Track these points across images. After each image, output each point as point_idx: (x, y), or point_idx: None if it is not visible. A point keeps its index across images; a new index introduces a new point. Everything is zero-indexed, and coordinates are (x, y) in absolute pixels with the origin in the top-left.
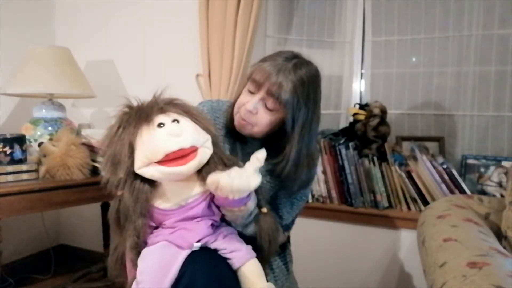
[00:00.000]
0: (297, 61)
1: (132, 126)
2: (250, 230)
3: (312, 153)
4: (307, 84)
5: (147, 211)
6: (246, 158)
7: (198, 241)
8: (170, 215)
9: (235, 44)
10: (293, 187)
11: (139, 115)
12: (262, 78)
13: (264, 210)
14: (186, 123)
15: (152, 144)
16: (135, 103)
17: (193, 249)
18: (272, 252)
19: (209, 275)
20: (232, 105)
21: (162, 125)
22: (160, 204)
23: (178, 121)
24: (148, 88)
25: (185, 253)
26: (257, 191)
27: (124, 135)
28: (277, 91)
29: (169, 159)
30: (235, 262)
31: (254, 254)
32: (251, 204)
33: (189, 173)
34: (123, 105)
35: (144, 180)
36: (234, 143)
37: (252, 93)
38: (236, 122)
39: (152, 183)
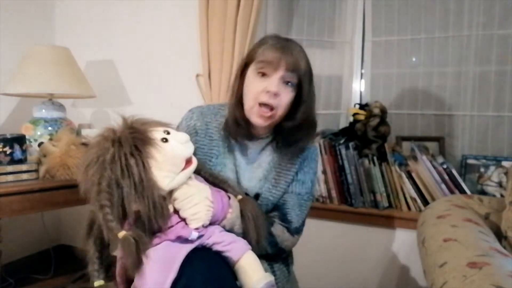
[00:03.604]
0: (287, 38)
1: (136, 153)
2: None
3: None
4: (306, 55)
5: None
6: (246, 158)
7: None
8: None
9: (235, 44)
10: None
11: (136, 142)
12: (277, 57)
13: (239, 197)
14: (173, 130)
15: (173, 158)
16: (111, 134)
17: (191, 238)
18: (261, 236)
19: (207, 275)
20: (234, 105)
21: (165, 140)
22: None
23: (168, 132)
24: (148, 88)
25: (186, 248)
26: (225, 183)
27: (132, 164)
28: (294, 66)
29: (185, 163)
30: (233, 255)
31: (250, 246)
32: (230, 215)
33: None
34: (101, 139)
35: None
36: (230, 145)
37: (263, 75)
38: (255, 116)
39: None
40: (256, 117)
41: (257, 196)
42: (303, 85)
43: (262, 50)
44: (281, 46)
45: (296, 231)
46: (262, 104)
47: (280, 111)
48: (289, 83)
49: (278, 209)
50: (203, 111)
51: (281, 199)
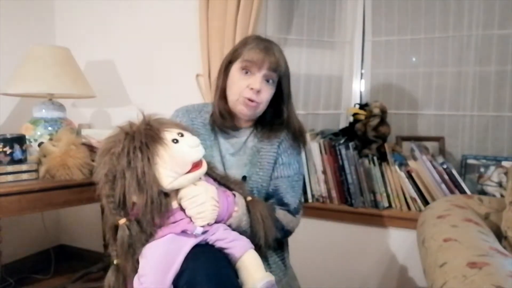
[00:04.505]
0: (268, 39)
1: (145, 149)
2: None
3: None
4: (285, 56)
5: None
6: (232, 148)
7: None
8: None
9: (235, 44)
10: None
11: (147, 139)
12: (261, 57)
13: (249, 198)
14: (188, 133)
15: (179, 159)
16: (128, 128)
17: (195, 233)
18: (269, 236)
19: (210, 270)
20: (219, 99)
21: (176, 141)
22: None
23: (182, 134)
24: (148, 88)
25: (191, 243)
26: (237, 185)
27: (138, 158)
28: (276, 66)
29: (192, 167)
30: (235, 252)
31: (252, 245)
32: (237, 213)
33: (204, 171)
34: (119, 131)
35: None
36: (216, 138)
37: (247, 73)
38: (239, 108)
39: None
40: (242, 105)
41: (244, 179)
42: (282, 83)
43: (248, 50)
44: (264, 47)
45: (296, 211)
46: (246, 98)
47: (262, 106)
48: (270, 81)
49: (273, 196)
50: (188, 109)
51: (273, 185)
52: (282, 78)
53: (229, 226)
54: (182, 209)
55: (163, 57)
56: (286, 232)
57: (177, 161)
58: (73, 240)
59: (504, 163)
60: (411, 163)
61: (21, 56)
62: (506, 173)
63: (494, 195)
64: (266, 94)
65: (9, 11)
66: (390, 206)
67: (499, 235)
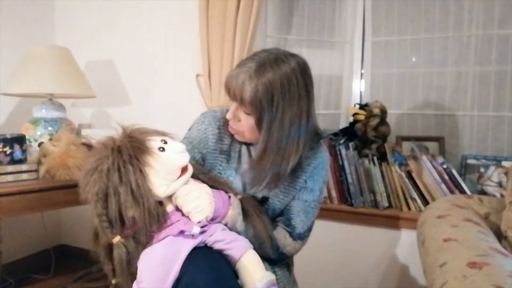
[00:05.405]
0: (265, 59)
1: (135, 161)
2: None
3: (284, 148)
4: (270, 84)
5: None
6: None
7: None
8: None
9: (235, 44)
10: (261, 177)
11: (135, 151)
12: (227, 86)
13: (239, 196)
14: (170, 139)
15: (169, 166)
16: (111, 143)
17: (193, 232)
18: (268, 228)
19: (209, 274)
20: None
21: (162, 149)
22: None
23: (166, 141)
24: (148, 88)
25: (189, 245)
26: (225, 185)
27: (130, 172)
28: (237, 95)
29: (181, 172)
30: (235, 253)
31: (251, 245)
32: (232, 211)
33: (191, 173)
34: (102, 147)
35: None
36: (240, 149)
37: (233, 102)
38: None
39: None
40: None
41: (264, 200)
42: (254, 115)
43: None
44: (235, 74)
45: (299, 237)
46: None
47: (246, 133)
48: (245, 112)
49: (283, 214)
50: (215, 115)
51: (288, 205)
52: (252, 108)
53: (225, 225)
54: (178, 210)
55: (163, 57)
56: (281, 255)
57: (167, 168)
58: (73, 240)
59: (504, 163)
60: (411, 163)
61: (21, 56)
62: (506, 173)
63: (494, 195)
64: (244, 124)
65: (9, 11)
66: (390, 206)
67: (499, 235)
